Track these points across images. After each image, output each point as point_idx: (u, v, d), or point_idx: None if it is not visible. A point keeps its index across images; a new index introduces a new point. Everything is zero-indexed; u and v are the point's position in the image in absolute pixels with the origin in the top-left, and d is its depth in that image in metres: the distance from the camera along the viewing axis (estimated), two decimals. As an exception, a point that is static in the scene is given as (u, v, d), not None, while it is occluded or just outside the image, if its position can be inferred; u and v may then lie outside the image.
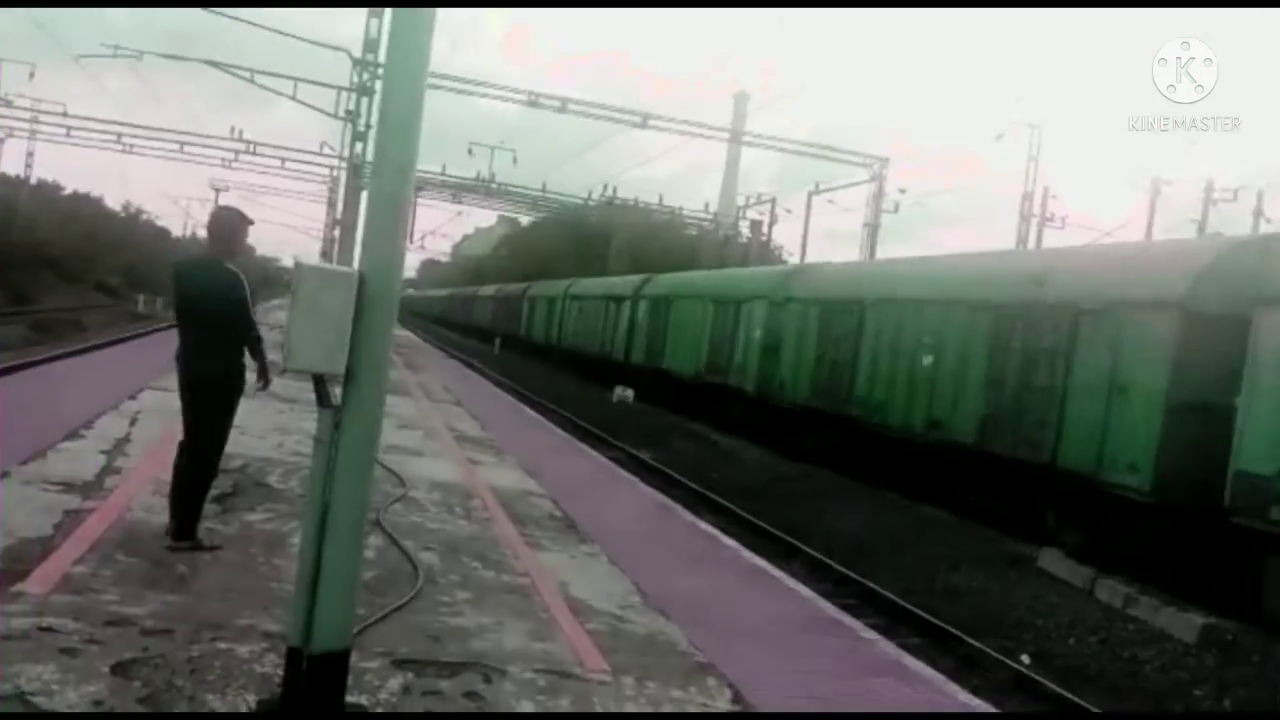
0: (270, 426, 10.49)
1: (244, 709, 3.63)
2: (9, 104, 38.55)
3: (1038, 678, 7.75)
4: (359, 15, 20.98)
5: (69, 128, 40.02)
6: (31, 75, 35.94)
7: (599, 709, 4.40)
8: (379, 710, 3.90)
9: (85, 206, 53.23)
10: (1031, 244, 33.82)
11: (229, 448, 6.06)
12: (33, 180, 49.03)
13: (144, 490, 6.72)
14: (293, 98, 20.38)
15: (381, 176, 3.15)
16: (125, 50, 24.37)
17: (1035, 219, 35.63)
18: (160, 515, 6.00)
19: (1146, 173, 61.80)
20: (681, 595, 6.46)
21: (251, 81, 20.33)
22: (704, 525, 9.37)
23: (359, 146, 20.46)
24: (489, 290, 63.62)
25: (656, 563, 7.37)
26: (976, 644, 8.41)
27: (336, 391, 3.25)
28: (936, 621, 8.92)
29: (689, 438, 19.70)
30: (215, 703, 3.65)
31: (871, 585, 9.90)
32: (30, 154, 45.65)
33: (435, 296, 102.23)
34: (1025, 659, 8.39)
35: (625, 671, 4.86)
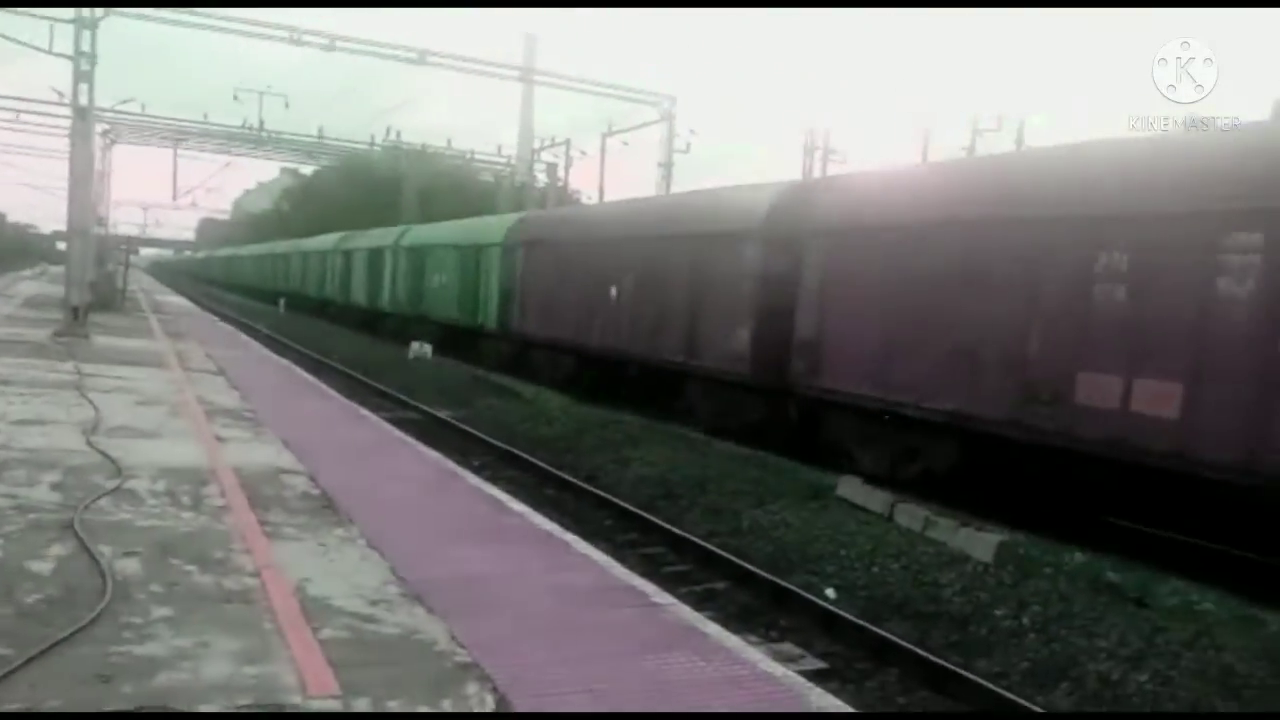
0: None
1: None
2: None
3: (842, 613, 7.45)
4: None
5: None
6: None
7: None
8: None
9: None
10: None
11: None
12: None
13: None
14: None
15: None
16: None
17: (819, 151, 36.61)
18: None
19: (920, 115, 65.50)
20: (449, 579, 5.57)
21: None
22: (491, 490, 8.46)
23: (83, 88, 17.75)
24: (262, 249, 59.56)
25: (426, 541, 6.41)
26: (783, 583, 8.09)
27: None
28: (741, 563, 8.58)
29: (495, 394, 18.55)
30: None
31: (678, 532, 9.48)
32: None
33: (207, 258, 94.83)
34: (830, 593, 8.09)
35: (360, 691, 3.95)
